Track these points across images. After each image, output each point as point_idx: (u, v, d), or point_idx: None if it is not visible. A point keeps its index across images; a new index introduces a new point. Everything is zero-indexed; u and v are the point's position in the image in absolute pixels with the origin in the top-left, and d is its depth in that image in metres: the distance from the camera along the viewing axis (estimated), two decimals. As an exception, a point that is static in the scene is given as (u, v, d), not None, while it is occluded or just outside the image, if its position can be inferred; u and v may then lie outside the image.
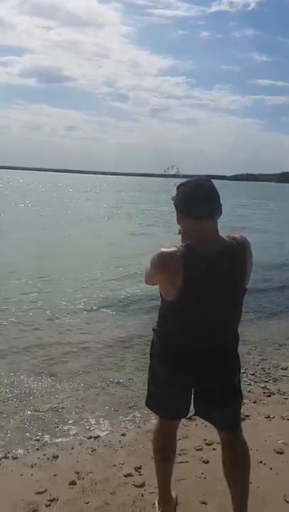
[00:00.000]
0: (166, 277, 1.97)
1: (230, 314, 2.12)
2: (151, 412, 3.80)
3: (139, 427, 3.63)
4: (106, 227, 20.78)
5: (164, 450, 2.38)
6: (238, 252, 2.04)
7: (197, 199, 1.99)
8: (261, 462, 3.01)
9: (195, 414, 2.33)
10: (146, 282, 2.25)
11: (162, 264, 1.97)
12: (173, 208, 2.13)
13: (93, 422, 3.70)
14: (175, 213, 2.10)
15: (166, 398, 2.20)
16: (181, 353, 2.08)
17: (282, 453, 3.18)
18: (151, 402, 2.34)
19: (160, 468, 2.41)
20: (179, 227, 2.13)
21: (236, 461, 2.21)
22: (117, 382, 4.47)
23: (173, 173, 2.63)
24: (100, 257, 12.38)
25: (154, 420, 3.67)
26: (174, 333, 2.08)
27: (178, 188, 2.08)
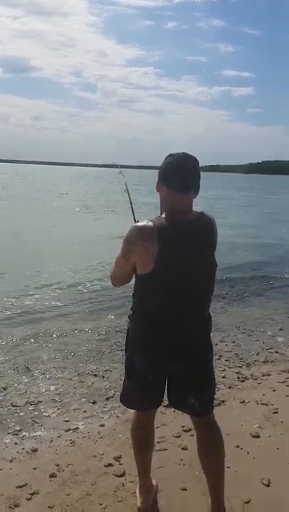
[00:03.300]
0: (141, 249, 1.96)
1: (208, 288, 2.14)
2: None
3: (117, 417, 3.66)
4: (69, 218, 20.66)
5: (143, 439, 2.41)
6: (212, 224, 2.10)
7: (183, 171, 2.02)
8: (238, 447, 3.09)
9: (168, 404, 2.35)
10: (116, 277, 2.24)
11: (136, 235, 1.98)
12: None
13: (71, 415, 3.71)
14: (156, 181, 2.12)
15: (143, 389, 2.20)
16: (159, 333, 2.06)
17: (258, 437, 3.27)
18: (128, 400, 2.34)
19: (139, 456, 2.45)
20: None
21: (211, 447, 2.25)
22: (94, 375, 4.48)
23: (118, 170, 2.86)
24: (66, 247, 12.41)
25: (132, 410, 3.73)
26: (153, 310, 2.06)
27: (166, 158, 2.09)
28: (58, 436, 3.35)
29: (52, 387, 4.21)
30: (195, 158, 2.06)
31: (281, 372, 4.47)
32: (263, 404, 3.76)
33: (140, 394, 2.22)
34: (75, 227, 17.53)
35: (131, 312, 2.20)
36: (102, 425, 3.50)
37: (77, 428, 3.48)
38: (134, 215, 2.45)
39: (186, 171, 2.04)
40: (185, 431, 3.27)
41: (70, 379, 4.39)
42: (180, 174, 2.02)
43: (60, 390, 4.17)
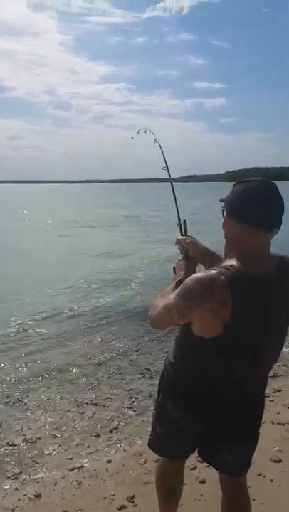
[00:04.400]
0: (208, 310, 1.50)
1: (277, 352, 1.77)
2: (135, 432, 3.61)
3: (124, 450, 3.38)
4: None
5: (172, 489, 2.11)
6: (286, 275, 1.65)
7: (261, 202, 1.54)
8: (260, 475, 2.85)
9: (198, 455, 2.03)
10: (161, 324, 1.78)
11: (204, 294, 1.49)
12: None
13: (74, 451, 3.41)
14: (221, 216, 1.68)
15: (178, 439, 1.90)
16: (205, 394, 1.74)
17: (280, 461, 3.03)
18: (159, 448, 2.03)
19: (166, 508, 2.15)
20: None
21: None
22: (94, 404, 4.18)
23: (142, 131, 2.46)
24: (48, 271, 11.75)
25: (140, 441, 3.46)
26: (204, 372, 1.70)
27: (235, 185, 1.65)
28: (63, 478, 3.06)
29: (50, 421, 3.90)
30: (275, 185, 1.59)
31: (294, 387, 4.25)
32: (279, 424, 3.52)
33: (175, 442, 1.93)
34: (50, 245, 17.07)
35: (172, 358, 1.85)
36: (109, 461, 3.22)
37: (83, 466, 3.18)
38: (182, 230, 2.21)
39: (270, 201, 1.55)
40: (200, 461, 2.99)
41: (68, 410, 4.09)
42: (263, 206, 1.54)
43: (59, 423, 3.86)
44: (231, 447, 1.83)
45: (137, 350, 5.61)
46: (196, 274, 1.58)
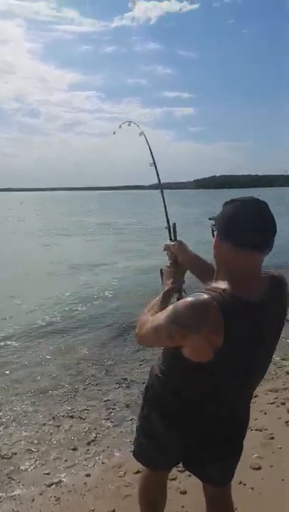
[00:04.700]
0: (202, 339, 1.43)
1: (266, 369, 1.73)
2: (113, 444, 3.55)
3: (103, 463, 3.31)
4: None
5: (155, 501, 2.09)
6: (283, 297, 1.63)
7: (257, 225, 1.47)
8: (241, 483, 2.83)
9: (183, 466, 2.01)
10: (148, 345, 1.77)
11: (196, 320, 1.43)
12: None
13: (51, 466, 3.32)
14: (214, 237, 1.60)
15: (163, 451, 1.87)
16: (194, 415, 1.69)
17: (260, 468, 3.03)
18: (144, 458, 2.00)
19: None
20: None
21: None
22: (70, 416, 4.09)
23: (126, 125, 2.41)
24: (20, 281, 11.49)
25: (118, 453, 3.41)
26: (191, 396, 1.65)
27: (225, 204, 1.58)
28: (40, 494, 2.97)
29: (25, 435, 3.80)
30: (267, 204, 1.52)
31: (268, 392, 4.27)
32: (257, 430, 3.52)
33: (159, 453, 1.89)
34: (22, 255, 16.62)
35: (159, 373, 1.78)
36: (87, 475, 3.15)
37: (61, 481, 3.11)
38: (171, 234, 2.15)
39: (266, 224, 1.49)
40: (180, 471, 2.97)
41: (44, 424, 3.99)
42: (260, 229, 1.47)
43: (35, 437, 3.76)
44: (219, 464, 1.81)
45: (112, 360, 5.54)
46: (187, 299, 1.47)
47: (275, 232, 1.50)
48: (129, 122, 2.44)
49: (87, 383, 4.85)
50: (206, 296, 1.43)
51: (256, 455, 3.15)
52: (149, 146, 2.36)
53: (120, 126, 2.44)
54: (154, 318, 1.61)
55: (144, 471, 2.10)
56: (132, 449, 2.06)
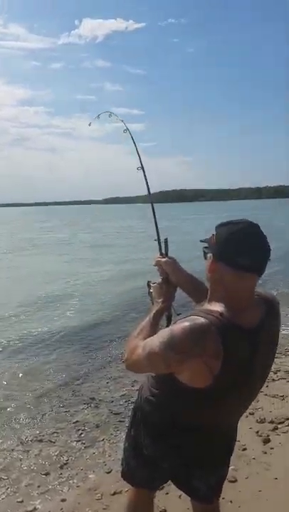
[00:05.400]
0: (200, 365, 1.40)
1: (255, 397, 1.73)
2: (87, 466, 3.48)
3: (78, 486, 3.23)
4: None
5: None
6: (275, 319, 1.62)
7: (254, 246, 1.46)
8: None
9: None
10: (139, 370, 1.67)
11: (194, 346, 1.38)
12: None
13: (24, 493, 3.21)
14: (207, 259, 1.57)
15: (152, 471, 1.85)
16: (189, 440, 1.68)
17: (236, 481, 3.06)
18: (131, 477, 1.96)
19: None
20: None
21: None
22: (39, 440, 3.97)
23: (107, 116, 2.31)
24: None
25: (93, 475, 3.34)
26: (186, 419, 1.62)
27: (219, 227, 1.54)
28: (15, 524, 2.87)
29: (-7, 464, 3.66)
30: (260, 227, 1.51)
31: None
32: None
33: (149, 472, 1.86)
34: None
35: (150, 395, 1.75)
36: (63, 500, 3.06)
37: (35, 508, 3.01)
38: (162, 249, 2.06)
39: (262, 245, 1.48)
40: (159, 489, 2.94)
41: (12, 450, 3.85)
42: (256, 250, 1.47)
43: (4, 464, 3.62)
44: (207, 478, 1.81)
45: (78, 379, 5.43)
46: (184, 323, 1.41)
47: (268, 255, 1.49)
48: (110, 113, 2.34)
49: (53, 405, 4.73)
50: (203, 320, 1.40)
51: (232, 467, 3.16)
52: (135, 144, 2.26)
53: (98, 117, 2.34)
54: (146, 343, 1.55)
55: (132, 492, 2.07)
56: (121, 470, 2.04)
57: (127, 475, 1.99)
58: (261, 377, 1.64)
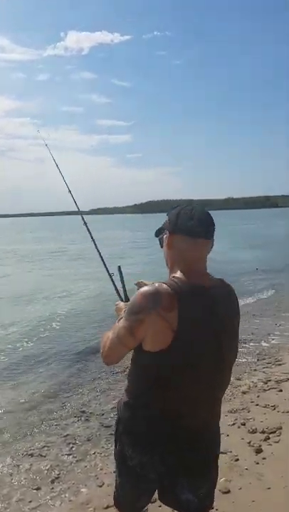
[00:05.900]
0: (158, 320, 1.51)
1: (227, 377, 1.75)
2: (78, 480, 3.44)
3: (70, 501, 3.19)
4: None
5: None
6: (234, 295, 1.75)
7: (200, 216, 1.67)
8: (213, 508, 2.81)
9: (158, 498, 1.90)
10: (114, 356, 1.72)
11: (150, 303, 1.52)
12: None
13: (15, 508, 3.16)
14: (163, 244, 1.77)
15: (143, 488, 1.81)
16: (162, 431, 1.67)
17: (229, 492, 3.05)
18: (120, 499, 1.92)
19: None
20: None
21: None
22: (29, 454, 3.92)
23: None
24: None
25: (85, 489, 3.31)
26: (158, 401, 1.64)
27: (171, 211, 1.75)
28: None
29: (-18, 479, 3.60)
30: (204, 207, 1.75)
31: (228, 413, 4.32)
32: (221, 453, 3.49)
33: (134, 483, 1.81)
34: None
35: (126, 397, 1.77)
36: (55, 515, 3.03)
37: (27, 525, 2.97)
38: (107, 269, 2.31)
39: (206, 215, 1.69)
40: (151, 502, 2.92)
41: (2, 464, 3.80)
42: (206, 220, 1.67)
43: (-6, 480, 3.58)
44: (195, 489, 1.75)
45: (68, 392, 5.39)
46: (139, 290, 1.60)
47: (214, 227, 1.70)
48: (38, 130, 2.90)
49: (43, 418, 4.68)
50: (158, 283, 1.57)
51: (224, 478, 3.17)
52: (56, 164, 2.53)
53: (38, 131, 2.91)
54: (114, 326, 1.70)
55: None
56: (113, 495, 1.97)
57: (117, 500, 1.95)
58: (224, 351, 1.66)
